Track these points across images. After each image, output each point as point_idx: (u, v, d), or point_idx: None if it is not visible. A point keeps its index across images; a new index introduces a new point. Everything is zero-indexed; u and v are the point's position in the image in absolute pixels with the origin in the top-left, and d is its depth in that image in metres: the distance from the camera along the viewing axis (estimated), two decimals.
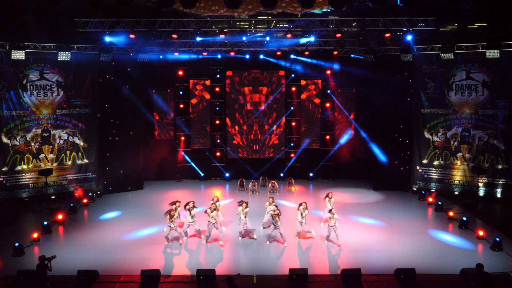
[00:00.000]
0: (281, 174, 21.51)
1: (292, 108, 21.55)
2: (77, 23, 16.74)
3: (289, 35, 17.67)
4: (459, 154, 18.45)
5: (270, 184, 19.46)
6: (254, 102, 21.60)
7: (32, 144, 18.01)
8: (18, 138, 17.75)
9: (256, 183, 19.49)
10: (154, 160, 21.11)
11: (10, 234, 14.11)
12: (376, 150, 19.73)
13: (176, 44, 19.05)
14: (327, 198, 14.80)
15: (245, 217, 13.54)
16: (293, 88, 21.48)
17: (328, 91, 21.40)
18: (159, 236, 13.98)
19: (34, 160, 18.07)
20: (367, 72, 19.62)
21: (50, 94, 18.15)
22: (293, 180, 20.14)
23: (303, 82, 21.51)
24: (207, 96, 21.52)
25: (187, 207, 13.42)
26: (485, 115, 17.79)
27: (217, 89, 21.45)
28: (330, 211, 13.08)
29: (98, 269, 11.20)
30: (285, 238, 13.12)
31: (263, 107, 21.60)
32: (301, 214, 13.39)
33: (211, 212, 13.04)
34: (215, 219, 13.14)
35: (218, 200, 14.14)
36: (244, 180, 19.85)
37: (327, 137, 21.64)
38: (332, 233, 13.08)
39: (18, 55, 16.76)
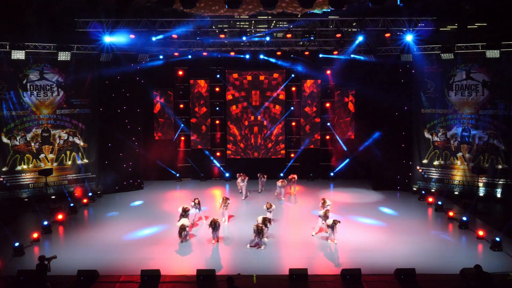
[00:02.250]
0: (281, 174, 21.51)
1: (292, 108, 21.55)
2: (77, 23, 16.71)
3: (289, 35, 17.67)
4: (459, 154, 18.44)
5: (280, 183, 18.15)
6: (254, 102, 21.60)
7: (32, 144, 18.01)
8: (18, 138, 17.74)
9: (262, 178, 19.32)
10: (154, 160, 21.12)
11: (10, 234, 14.09)
12: (376, 150, 19.73)
13: (176, 44, 19.06)
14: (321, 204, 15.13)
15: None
16: (293, 88, 21.48)
17: (328, 91, 21.41)
18: (159, 236, 14.01)
19: (34, 160, 18.06)
20: (367, 72, 19.63)
21: (50, 94, 18.14)
22: (295, 177, 18.92)
23: (303, 82, 21.52)
24: (207, 96, 21.55)
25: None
26: (485, 115, 17.78)
27: (217, 89, 21.45)
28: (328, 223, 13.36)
29: (98, 269, 11.20)
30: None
31: (263, 107, 21.61)
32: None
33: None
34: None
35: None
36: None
37: (327, 137, 21.65)
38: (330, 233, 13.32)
39: (18, 55, 16.74)
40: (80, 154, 18.92)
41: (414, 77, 18.97)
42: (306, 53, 19.72)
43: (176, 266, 11.89)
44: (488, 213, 16.22)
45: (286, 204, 17.77)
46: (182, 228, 13.24)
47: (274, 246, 13.20)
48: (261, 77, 21.49)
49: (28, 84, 17.72)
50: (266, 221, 13.37)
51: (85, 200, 17.72)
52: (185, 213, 14.32)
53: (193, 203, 14.91)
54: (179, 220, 13.93)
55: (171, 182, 21.20)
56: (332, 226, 13.16)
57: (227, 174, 21.56)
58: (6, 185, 17.56)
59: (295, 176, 19.00)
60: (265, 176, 19.59)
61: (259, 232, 12.75)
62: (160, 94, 21.41)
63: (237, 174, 18.98)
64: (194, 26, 17.16)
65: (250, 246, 12.96)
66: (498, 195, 17.62)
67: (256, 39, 18.63)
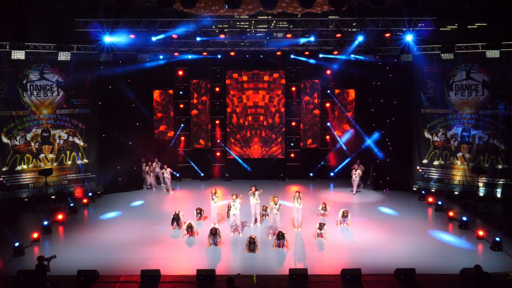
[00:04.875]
0: (281, 174, 21.51)
1: (292, 108, 21.55)
2: (77, 23, 16.71)
3: (289, 35, 17.65)
4: (459, 154, 18.44)
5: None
6: (254, 102, 21.60)
7: (32, 144, 18.00)
8: (18, 138, 17.73)
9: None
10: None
11: (10, 234, 14.08)
12: (376, 150, 19.74)
13: (176, 44, 19.06)
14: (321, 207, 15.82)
15: (277, 210, 13.85)
16: (293, 88, 21.48)
17: (328, 91, 21.41)
18: (159, 236, 14.01)
19: (34, 160, 18.06)
20: (367, 72, 19.63)
21: (50, 94, 18.14)
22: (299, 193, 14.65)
23: (303, 82, 21.51)
24: (207, 96, 21.55)
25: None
26: (485, 115, 17.78)
27: (217, 89, 21.45)
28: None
29: (98, 269, 11.19)
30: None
31: (263, 107, 21.60)
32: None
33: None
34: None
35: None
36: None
37: (327, 137, 21.65)
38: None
39: (18, 55, 16.74)
40: (80, 154, 18.91)
41: (414, 77, 18.96)
42: (306, 53, 19.73)
43: (176, 266, 11.89)
44: (488, 213, 16.21)
45: (286, 205, 17.74)
46: (190, 226, 13.77)
47: (274, 246, 13.18)
48: (261, 77, 21.48)
49: (28, 84, 17.71)
50: (280, 235, 12.90)
51: (85, 200, 17.71)
52: (177, 217, 14.60)
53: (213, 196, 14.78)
54: (172, 223, 14.57)
55: (171, 182, 21.14)
56: (345, 215, 14.62)
57: (227, 174, 21.56)
58: (6, 185, 17.55)
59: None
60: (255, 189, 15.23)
61: (250, 243, 12.65)
62: (160, 94, 21.41)
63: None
64: (194, 26, 17.16)
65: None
66: (498, 195, 17.60)
67: (257, 39, 18.65)
